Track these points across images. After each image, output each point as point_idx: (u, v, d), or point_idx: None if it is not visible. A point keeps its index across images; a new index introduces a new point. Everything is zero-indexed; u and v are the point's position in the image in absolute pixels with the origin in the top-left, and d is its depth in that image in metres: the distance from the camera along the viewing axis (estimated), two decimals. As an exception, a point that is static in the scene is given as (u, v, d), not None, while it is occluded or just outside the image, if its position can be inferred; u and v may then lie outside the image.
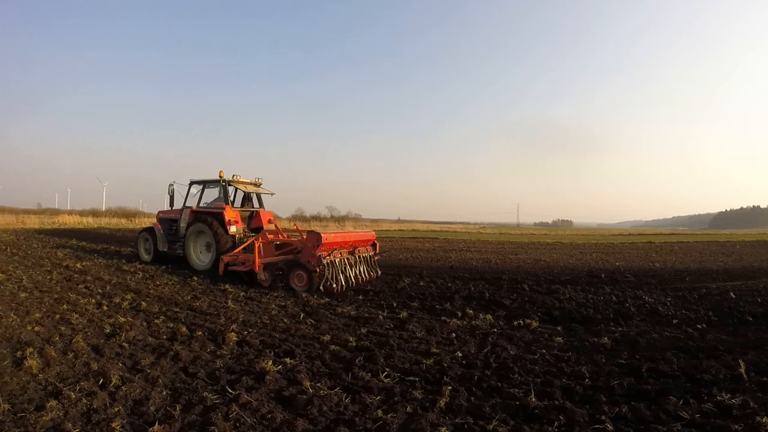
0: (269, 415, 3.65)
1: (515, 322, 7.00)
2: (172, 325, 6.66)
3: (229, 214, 12.24)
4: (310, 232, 9.92)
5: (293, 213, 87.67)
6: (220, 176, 12.74)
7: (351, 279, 10.11)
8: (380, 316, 7.33)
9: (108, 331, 6.32)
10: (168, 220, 14.32)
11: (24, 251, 18.11)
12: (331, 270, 9.55)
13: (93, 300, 8.39)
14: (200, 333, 6.17)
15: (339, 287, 9.58)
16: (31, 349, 5.24)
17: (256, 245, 10.29)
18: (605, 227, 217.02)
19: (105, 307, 7.81)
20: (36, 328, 6.32)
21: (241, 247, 11.29)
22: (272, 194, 14.17)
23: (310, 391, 4.13)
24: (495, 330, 6.57)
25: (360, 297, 9.06)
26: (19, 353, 5.19)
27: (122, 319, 6.86)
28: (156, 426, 3.42)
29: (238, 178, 13.00)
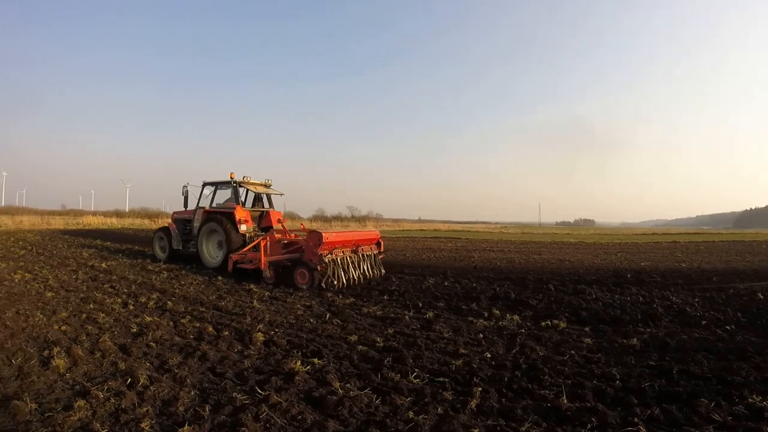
0: (300, 416, 3.60)
1: (543, 323, 6.88)
2: (198, 324, 6.68)
3: (240, 213, 12.81)
4: (311, 232, 10.35)
5: (314, 213, 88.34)
6: (231, 178, 13.33)
7: (354, 277, 10.57)
8: (406, 317, 7.28)
9: (135, 330, 6.36)
10: (183, 220, 15.06)
11: (49, 251, 18.56)
12: (332, 268, 10.03)
13: (119, 299, 8.50)
14: (227, 333, 6.17)
15: (339, 284, 10.05)
16: (58, 349, 5.30)
17: (262, 244, 11.03)
18: (628, 226, 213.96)
19: (131, 307, 7.90)
20: (63, 328, 6.39)
21: (250, 245, 11.84)
22: (281, 195, 14.73)
23: (340, 391, 4.07)
24: (523, 331, 6.47)
25: (385, 297, 9.01)
26: (46, 352, 5.24)
27: (149, 319, 6.92)
28: (186, 427, 3.40)
29: (248, 179, 13.59)
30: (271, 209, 14.66)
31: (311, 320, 7.05)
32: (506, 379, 4.43)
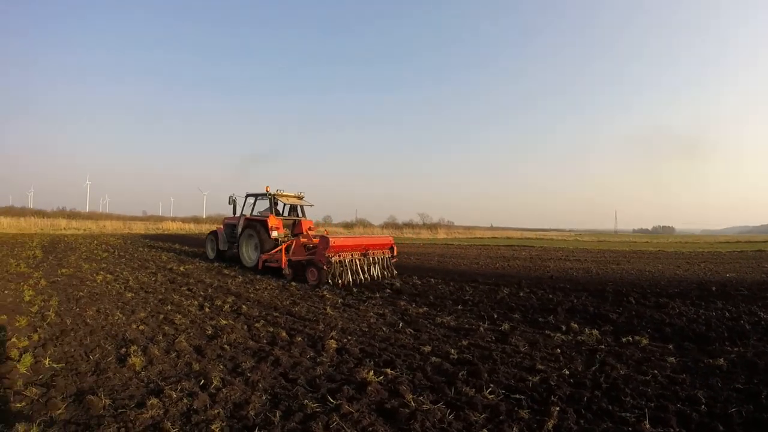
0: (370, 428, 3.55)
1: (624, 339, 6.49)
2: (272, 329, 6.83)
3: (272, 221, 14.88)
4: (321, 237, 12.30)
5: (385, 220, 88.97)
6: (266, 190, 15.59)
7: (362, 276, 12.35)
8: (481, 328, 7.10)
9: (210, 332, 6.61)
10: (230, 225, 17.30)
11: (130, 254, 19.93)
12: (337, 267, 11.73)
13: (195, 302, 8.90)
14: (300, 339, 6.26)
15: (344, 281, 11.73)
16: (135, 347, 5.59)
17: (282, 247, 13.61)
18: (710, 233, 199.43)
19: (207, 309, 8.24)
20: (141, 327, 6.77)
21: (278, 248, 13.97)
22: (311, 206, 16.96)
23: (413, 404, 3.99)
24: (603, 347, 6.12)
25: (459, 307, 8.86)
26: (123, 350, 5.55)
27: (224, 322, 7.17)
28: (255, 431, 3.43)
29: (281, 192, 15.96)
30: (303, 218, 16.70)
31: (384, 329, 7.03)
32: (585, 398, 4.18)
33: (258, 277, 12.96)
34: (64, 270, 13.34)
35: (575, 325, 7.21)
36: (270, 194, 15.57)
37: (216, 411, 3.81)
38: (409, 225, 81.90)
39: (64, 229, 48.92)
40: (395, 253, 13.98)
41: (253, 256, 15.35)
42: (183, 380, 4.56)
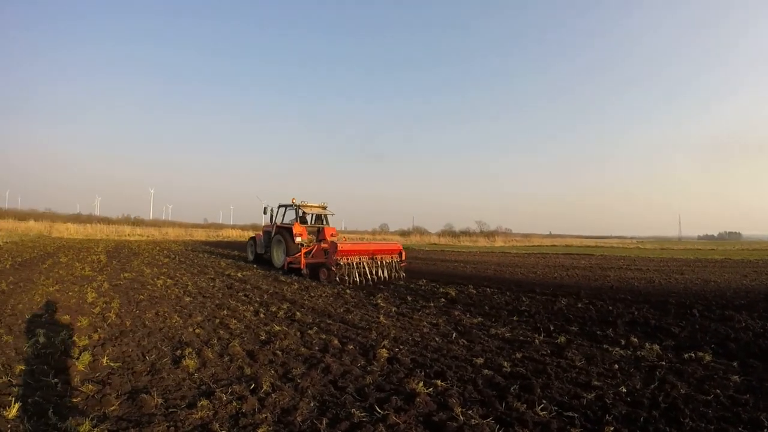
0: (417, 441, 3.55)
1: (686, 355, 6.18)
2: (324, 336, 6.94)
3: (297, 228, 17.45)
4: (331, 243, 14.48)
5: (442, 228, 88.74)
6: (292, 201, 18.49)
7: (369, 277, 14.21)
8: (536, 340, 6.95)
9: (263, 338, 6.79)
10: (267, 232, 20.09)
11: (190, 260, 20.81)
12: (345, 268, 13.71)
13: (251, 307, 9.16)
14: (351, 347, 6.33)
15: (351, 280, 13.66)
16: (190, 350, 5.84)
17: (303, 251, 15.92)
18: None
19: (262, 315, 8.47)
20: (196, 330, 7.05)
21: (301, 252, 16.04)
22: (333, 215, 19.81)
23: (461, 418, 3.95)
24: (663, 363, 5.84)
25: (515, 318, 8.70)
26: (178, 352, 5.80)
27: (277, 328, 7.35)
28: (302, 437, 3.51)
29: (305, 203, 18.85)
30: (326, 225, 19.20)
31: (437, 339, 7.00)
32: (642, 419, 4.01)
33: (313, 284, 13.23)
34: (126, 274, 14.06)
35: (635, 339, 6.96)
36: (296, 205, 18.50)
37: (264, 415, 3.92)
38: (466, 233, 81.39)
39: (128, 235, 51.36)
40: (403, 258, 16.21)
41: (281, 258, 17.74)
42: (234, 383, 4.71)
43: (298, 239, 17.14)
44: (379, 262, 14.89)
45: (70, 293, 9.95)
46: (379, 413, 4.01)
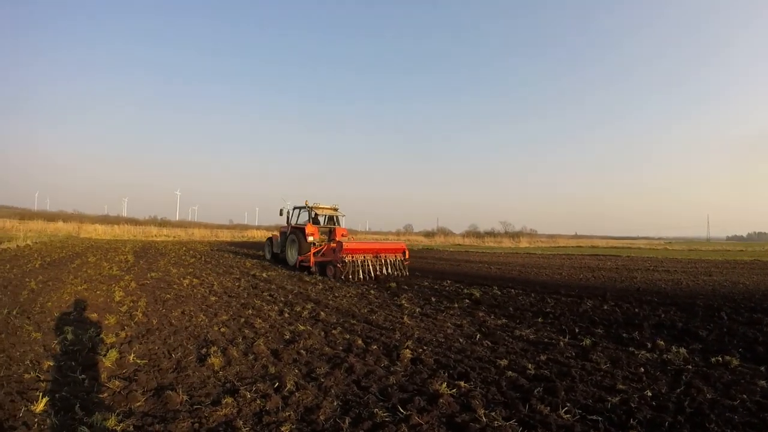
0: (439, 442, 3.56)
1: (713, 359, 6.05)
2: (348, 336, 6.99)
3: (309, 229, 18.55)
4: (337, 242, 15.92)
5: (466, 229, 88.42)
6: (305, 204, 19.66)
7: (373, 274, 15.48)
8: (561, 343, 6.88)
9: (287, 337, 6.88)
10: (283, 232, 21.33)
11: (216, 260, 21.12)
12: (350, 266, 14.98)
13: (276, 307, 9.27)
14: (375, 347, 6.36)
15: (356, 277, 14.97)
16: (215, 348, 5.93)
17: (313, 250, 16.93)
18: None
19: (286, 315, 8.56)
20: (222, 329, 7.16)
21: (312, 251, 17.00)
22: (344, 216, 20.97)
23: (484, 420, 3.94)
24: (689, 367, 5.73)
25: (539, 320, 8.63)
26: (204, 350, 5.91)
27: (302, 328, 7.43)
28: (324, 436, 3.55)
29: (318, 204, 19.91)
30: (338, 226, 20.38)
31: (461, 340, 6.99)
32: (666, 424, 3.94)
33: (338, 284, 13.32)
34: (153, 274, 14.34)
35: (661, 342, 6.84)
36: (309, 207, 19.61)
37: (287, 413, 3.97)
38: (490, 233, 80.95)
39: (155, 236, 52.32)
40: (407, 257, 17.25)
41: (294, 256, 18.98)
42: (258, 382, 4.78)
43: (310, 239, 18.24)
44: (383, 261, 16.13)
45: (98, 292, 10.18)
46: (402, 413, 4.03)
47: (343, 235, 19.45)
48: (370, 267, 15.55)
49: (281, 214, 21.30)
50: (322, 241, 18.54)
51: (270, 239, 23.21)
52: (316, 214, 19.78)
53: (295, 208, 20.88)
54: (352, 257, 15.16)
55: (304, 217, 20.12)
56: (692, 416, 4.15)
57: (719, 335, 7.49)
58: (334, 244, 16.22)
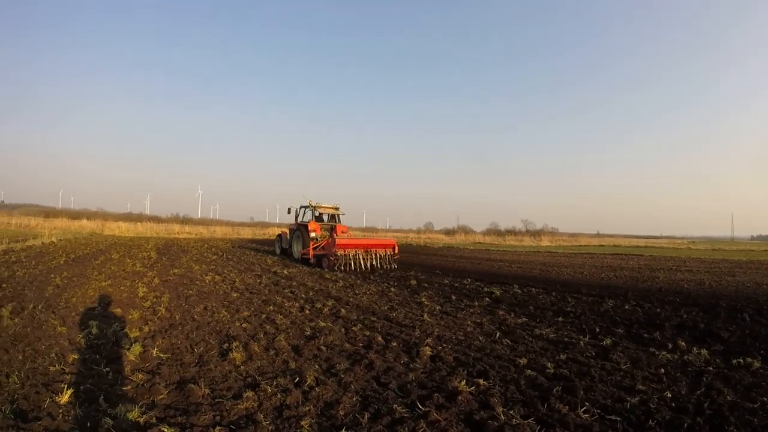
0: (456, 438, 3.60)
1: (734, 361, 5.96)
2: (368, 333, 7.06)
3: (311, 226, 20.57)
4: (331, 237, 17.84)
5: (487, 227, 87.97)
6: (309, 203, 21.72)
7: (363, 266, 17.48)
8: (581, 342, 6.86)
9: (308, 333, 6.98)
10: (292, 229, 23.31)
11: (237, 257, 21.48)
12: (342, 259, 17.05)
13: (296, 304, 9.39)
14: (395, 344, 6.41)
15: (346, 268, 16.94)
16: (237, 343, 6.06)
17: (312, 245, 19.12)
18: None
19: (307, 311, 8.67)
20: (243, 325, 7.29)
21: (311, 245, 19.16)
22: (344, 214, 23.03)
23: (502, 418, 3.96)
24: (710, 368, 5.66)
25: (560, 319, 8.61)
26: (225, 345, 6.04)
27: (322, 324, 7.53)
28: (343, 431, 3.63)
29: (320, 204, 21.96)
30: (338, 224, 22.15)
31: (480, 338, 7.02)
32: (686, 425, 3.91)
33: (358, 281, 13.47)
34: (175, 270, 14.61)
35: (682, 343, 6.77)
36: (312, 206, 21.68)
37: (307, 408, 4.05)
38: (511, 232, 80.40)
39: (177, 233, 53.18)
40: (396, 252, 19.29)
41: (298, 250, 21.14)
42: (279, 377, 4.88)
43: (312, 234, 20.13)
44: (373, 255, 18.22)
45: (121, 288, 10.42)
46: (421, 410, 4.07)
47: (342, 232, 21.21)
48: (361, 260, 17.62)
49: (289, 213, 23.53)
50: (323, 237, 20.28)
51: (279, 235, 25.52)
52: (319, 213, 22.07)
53: (301, 207, 22.75)
54: (344, 251, 17.28)
55: (309, 215, 22.03)
56: (711, 418, 4.12)
57: (741, 337, 7.41)
58: (331, 240, 17.86)
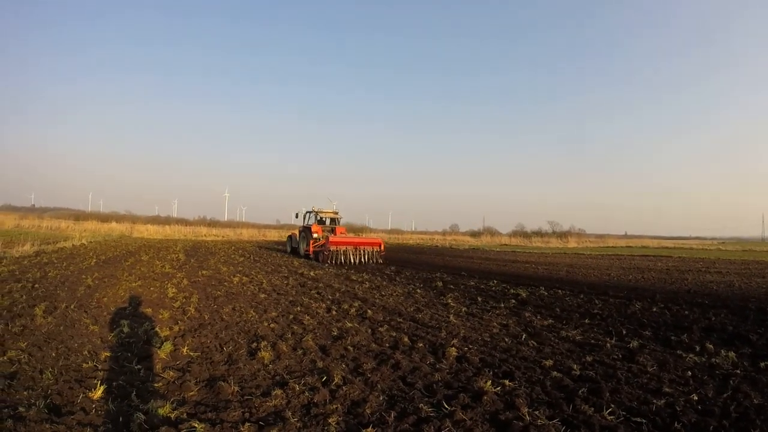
0: (481, 437, 3.65)
1: (762, 364, 5.85)
2: (394, 334, 7.13)
3: (314, 228, 24.38)
4: (325, 237, 22.52)
5: (513, 228, 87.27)
6: (312, 209, 25.86)
7: (353, 261, 21.35)
8: (608, 344, 6.81)
9: (335, 334, 7.09)
10: (300, 231, 26.94)
11: (264, 259, 21.91)
12: (335, 254, 20.90)
13: (323, 305, 9.51)
14: (421, 344, 6.48)
15: (338, 261, 20.79)
16: (265, 343, 6.19)
17: (312, 243, 23.31)
18: None
19: (334, 312, 8.80)
20: (271, 325, 7.45)
21: (311, 243, 23.34)
22: (341, 218, 27.37)
23: (527, 418, 3.99)
24: (738, 371, 5.57)
25: (586, 321, 8.55)
26: (254, 345, 6.18)
27: (349, 325, 7.63)
28: (369, 428, 3.70)
29: (321, 209, 26.20)
30: (337, 226, 26.20)
31: (506, 339, 7.03)
32: (711, 428, 3.87)
33: (384, 283, 13.57)
34: (204, 272, 14.89)
35: (710, 346, 6.67)
36: (315, 211, 25.73)
37: (334, 406, 4.13)
38: (537, 233, 79.54)
39: (205, 235, 53.95)
40: (383, 249, 23.70)
41: (303, 248, 25.05)
42: (307, 375, 4.98)
43: (315, 235, 23.94)
44: (361, 251, 22.22)
45: (151, 288, 10.69)
46: (446, 409, 4.12)
47: (341, 233, 25.22)
48: (351, 256, 21.54)
49: (297, 217, 27.48)
50: (324, 237, 23.41)
51: (290, 236, 30.05)
52: (321, 217, 25.95)
53: (306, 212, 26.50)
54: (336, 248, 21.21)
55: (313, 219, 25.82)
56: (737, 421, 4.08)
57: (770, 339, 7.30)
58: (326, 238, 22.11)
